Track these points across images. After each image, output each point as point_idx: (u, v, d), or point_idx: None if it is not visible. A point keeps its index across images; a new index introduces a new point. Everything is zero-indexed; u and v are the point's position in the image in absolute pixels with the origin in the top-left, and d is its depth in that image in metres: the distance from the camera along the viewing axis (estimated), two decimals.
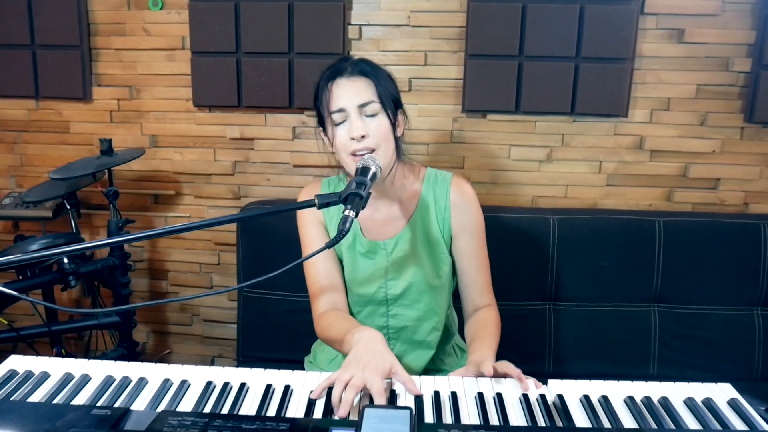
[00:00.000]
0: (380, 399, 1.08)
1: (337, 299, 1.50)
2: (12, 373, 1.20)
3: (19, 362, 1.24)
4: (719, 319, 2.00)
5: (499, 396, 1.12)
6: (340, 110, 1.36)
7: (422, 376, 1.19)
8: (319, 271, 1.50)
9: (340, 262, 1.54)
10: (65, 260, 1.94)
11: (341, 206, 1.42)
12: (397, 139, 1.44)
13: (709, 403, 1.11)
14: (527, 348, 2.02)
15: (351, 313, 1.55)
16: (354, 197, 1.15)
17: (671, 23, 2.07)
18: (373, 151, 1.35)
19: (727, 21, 2.05)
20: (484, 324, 1.46)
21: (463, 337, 1.67)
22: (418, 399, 1.11)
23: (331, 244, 1.10)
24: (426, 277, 1.48)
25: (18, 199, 2.30)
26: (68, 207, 2.22)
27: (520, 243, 2.00)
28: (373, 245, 1.49)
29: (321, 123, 1.46)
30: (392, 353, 1.19)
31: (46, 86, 2.33)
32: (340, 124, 1.37)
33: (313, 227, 1.53)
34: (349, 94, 1.36)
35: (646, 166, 2.19)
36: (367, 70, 1.40)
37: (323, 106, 1.40)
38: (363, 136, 1.34)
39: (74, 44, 2.27)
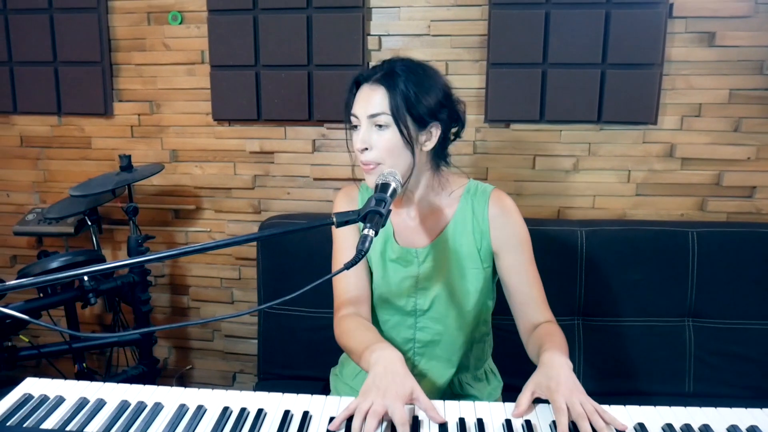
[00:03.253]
0: (403, 428, 1.03)
1: (362, 309, 1.45)
2: (27, 398, 1.18)
3: (34, 386, 1.22)
4: (758, 334, 1.91)
5: (528, 423, 1.06)
6: (354, 116, 1.33)
7: (446, 401, 1.14)
8: (349, 282, 1.45)
9: (370, 270, 1.49)
10: (85, 278, 1.93)
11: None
12: (418, 152, 1.37)
13: (754, 431, 1.04)
14: None
15: (378, 323, 1.50)
16: (374, 215, 1.11)
17: (701, 26, 2.00)
18: (378, 165, 1.31)
19: (761, 23, 1.97)
20: (549, 332, 1.34)
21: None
22: (443, 427, 1.05)
23: (351, 264, 1.06)
24: (454, 292, 1.43)
25: (41, 215, 2.30)
26: (89, 223, 2.22)
27: (547, 256, 1.91)
28: (405, 252, 1.44)
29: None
30: (412, 376, 1.14)
31: (68, 102, 2.34)
32: (354, 128, 1.34)
33: (345, 230, 1.44)
34: (364, 101, 1.32)
35: (677, 174, 2.11)
36: (390, 78, 1.31)
37: (348, 106, 1.36)
38: (365, 149, 1.30)
39: (95, 60, 2.28)
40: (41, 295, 1.99)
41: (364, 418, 1.04)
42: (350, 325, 1.38)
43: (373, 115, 1.30)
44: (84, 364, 2.17)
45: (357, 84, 1.36)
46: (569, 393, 1.09)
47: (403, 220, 1.46)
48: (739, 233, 1.93)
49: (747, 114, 2.04)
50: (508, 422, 1.06)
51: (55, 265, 1.92)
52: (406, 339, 1.48)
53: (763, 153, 2.06)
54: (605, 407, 1.10)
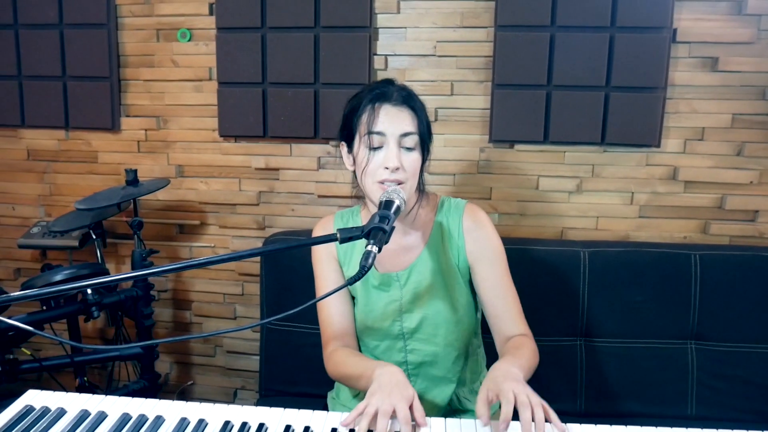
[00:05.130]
0: (406, 427, 1.07)
1: (349, 341, 1.47)
2: (29, 409, 1.18)
3: (35, 398, 1.22)
4: (761, 358, 1.89)
5: None
6: (381, 134, 1.32)
7: (447, 419, 1.14)
8: (332, 312, 1.47)
9: (353, 298, 1.51)
10: (88, 291, 1.94)
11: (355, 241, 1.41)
12: (421, 174, 1.42)
13: None
14: (557, 386, 1.95)
15: (367, 351, 1.52)
16: (377, 232, 1.11)
17: (704, 51, 2.02)
18: (400, 184, 1.32)
19: (763, 49, 1.99)
20: (517, 345, 1.35)
21: None
22: None
23: (353, 280, 1.06)
24: (442, 309, 1.43)
25: (46, 228, 2.32)
26: (94, 237, 2.23)
27: (549, 276, 1.94)
28: (386, 277, 1.45)
29: (346, 138, 1.41)
30: (412, 387, 1.17)
31: (76, 117, 2.37)
32: (376, 149, 1.33)
33: (326, 264, 1.50)
34: (393, 121, 1.33)
35: (680, 197, 2.12)
36: (411, 102, 1.36)
37: (361, 124, 1.35)
38: (397, 168, 1.31)
39: (104, 76, 2.31)
40: (44, 308, 1.99)
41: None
42: (342, 356, 1.40)
43: (405, 134, 1.33)
44: (85, 378, 2.17)
45: (372, 102, 1.35)
46: (516, 384, 1.10)
47: None
48: (742, 257, 1.93)
49: (749, 138, 2.05)
50: None
51: (59, 277, 1.93)
52: (397, 362, 1.48)
53: (766, 177, 2.07)
54: (605, 428, 1.10)
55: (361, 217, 1.52)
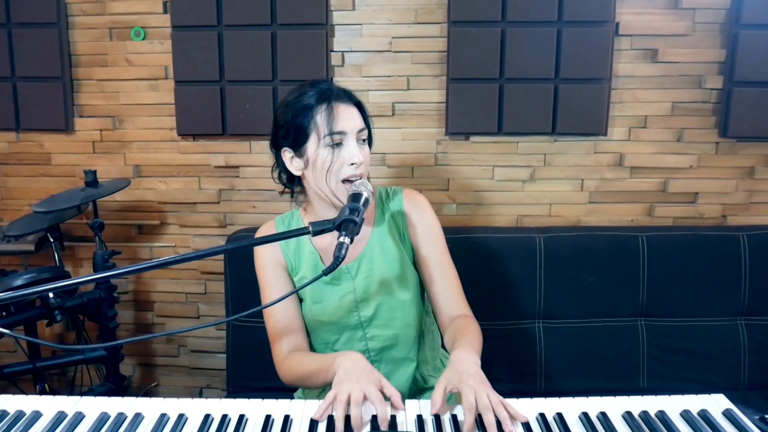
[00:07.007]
0: (381, 406, 1.11)
1: (299, 342, 1.48)
2: (2, 414, 1.17)
3: (8, 402, 1.22)
4: (705, 331, 2.02)
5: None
6: (342, 132, 1.35)
7: (421, 401, 1.20)
8: (277, 311, 1.48)
9: (300, 300, 1.53)
10: (50, 295, 1.91)
11: (299, 244, 1.48)
12: None
13: (705, 414, 1.13)
14: (518, 367, 2.03)
15: (327, 345, 1.54)
16: (348, 223, 1.16)
17: (645, 44, 2.13)
18: (360, 178, 1.37)
19: (698, 40, 2.11)
20: (464, 327, 1.40)
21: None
22: (420, 423, 1.11)
23: (328, 271, 1.11)
24: (396, 293, 1.47)
25: None
26: (51, 240, 2.19)
27: (507, 262, 2.02)
28: (337, 272, 1.45)
29: (293, 144, 1.40)
30: (376, 370, 1.23)
31: (27, 118, 2.32)
32: (336, 146, 1.36)
33: (271, 271, 1.51)
34: (349, 118, 1.37)
35: (626, 182, 2.23)
36: (354, 98, 1.43)
37: (317, 126, 1.35)
38: (361, 162, 1.37)
39: (56, 76, 2.27)
40: (4, 313, 1.95)
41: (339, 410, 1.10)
42: (296, 358, 1.43)
43: (360, 130, 1.39)
44: (45, 385, 2.14)
45: (322, 102, 1.38)
46: (477, 385, 1.14)
47: (329, 242, 1.49)
48: (685, 237, 2.06)
49: (688, 125, 2.18)
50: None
51: (19, 282, 1.89)
52: (358, 351, 1.50)
53: (704, 161, 2.20)
54: (572, 399, 1.17)
55: (303, 220, 1.55)
